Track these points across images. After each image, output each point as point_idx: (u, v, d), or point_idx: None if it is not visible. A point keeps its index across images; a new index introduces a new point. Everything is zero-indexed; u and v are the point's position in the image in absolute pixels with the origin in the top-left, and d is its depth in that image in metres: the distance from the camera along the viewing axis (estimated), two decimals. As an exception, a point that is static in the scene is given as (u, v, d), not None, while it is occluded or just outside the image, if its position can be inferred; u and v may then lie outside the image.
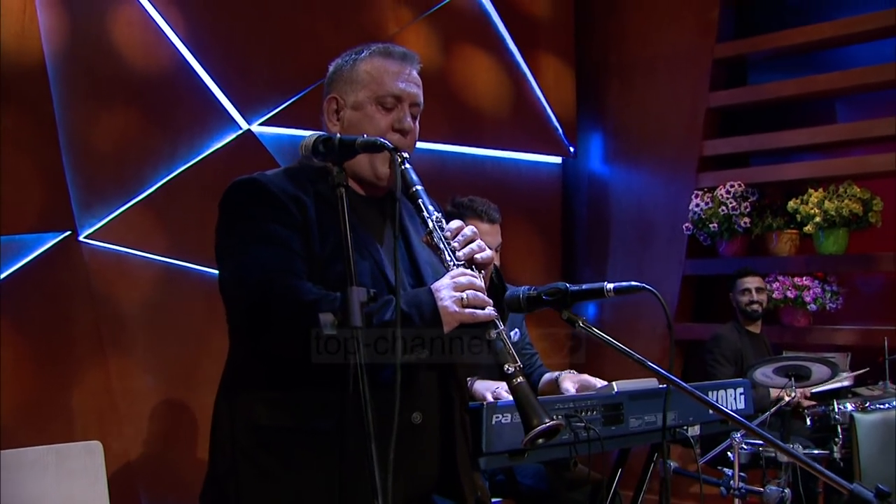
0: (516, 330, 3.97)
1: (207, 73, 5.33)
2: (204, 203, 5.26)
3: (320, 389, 2.18)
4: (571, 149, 7.61)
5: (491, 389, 3.33)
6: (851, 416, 3.43)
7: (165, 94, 5.20)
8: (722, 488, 4.77)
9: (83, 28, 4.88)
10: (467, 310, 2.15)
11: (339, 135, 2.15)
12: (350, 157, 2.15)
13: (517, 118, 7.19)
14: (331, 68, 2.49)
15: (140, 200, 5.05)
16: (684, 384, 2.35)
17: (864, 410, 3.53)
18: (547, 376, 3.90)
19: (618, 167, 7.68)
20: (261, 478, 2.21)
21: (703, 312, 7.18)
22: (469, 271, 2.20)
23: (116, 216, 4.97)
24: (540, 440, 2.11)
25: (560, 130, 7.50)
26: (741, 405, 3.56)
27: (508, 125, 7.10)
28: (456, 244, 2.25)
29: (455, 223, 2.28)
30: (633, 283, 2.42)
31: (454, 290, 2.15)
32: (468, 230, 2.29)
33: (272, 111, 5.55)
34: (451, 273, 2.20)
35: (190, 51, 5.28)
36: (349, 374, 2.03)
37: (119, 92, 5.01)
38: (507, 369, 2.15)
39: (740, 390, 3.55)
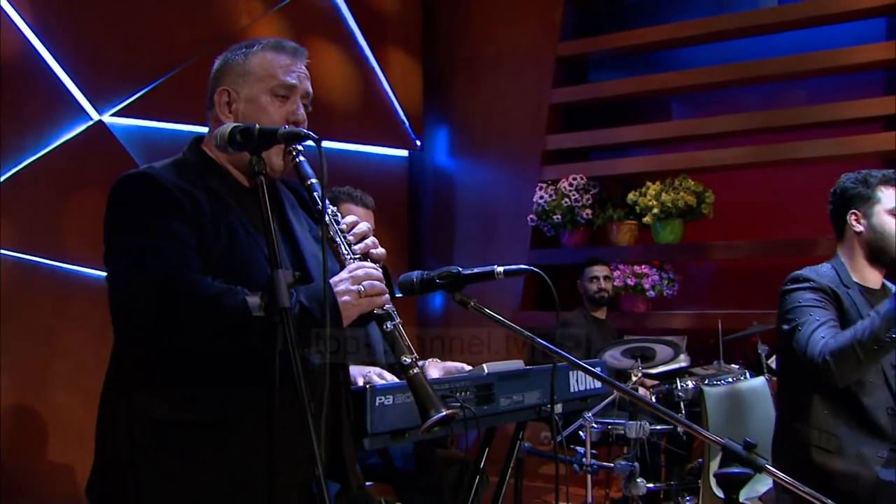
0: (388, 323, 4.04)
1: (57, 61, 5.23)
2: (54, 196, 5.17)
3: (218, 384, 2.21)
4: (418, 142, 7.77)
5: (363, 373, 3.41)
6: (700, 390, 3.65)
7: (12, 83, 5.04)
8: (575, 465, 4.98)
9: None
10: (365, 301, 2.23)
11: (257, 125, 2.18)
12: (268, 146, 2.20)
13: (365, 112, 7.29)
14: (218, 62, 2.49)
15: (-14, 193, 4.90)
16: (580, 362, 2.48)
17: (709, 385, 3.77)
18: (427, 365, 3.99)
19: (463, 160, 7.86)
20: (159, 471, 2.21)
21: (547, 301, 7.42)
22: (366, 264, 2.28)
23: (-38, 209, 4.81)
24: (436, 428, 2.19)
25: (407, 124, 7.65)
26: (597, 385, 3.71)
27: (357, 118, 7.18)
28: (351, 238, 2.33)
29: (350, 218, 2.35)
30: (522, 265, 2.53)
31: (352, 283, 2.22)
32: (363, 225, 2.37)
33: (124, 101, 5.47)
34: (349, 267, 2.27)
35: (38, 38, 5.15)
36: (249, 367, 2.12)
37: (-38, 80, 4.86)
38: (404, 360, 2.23)
39: (598, 370, 3.71)
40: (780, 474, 1.88)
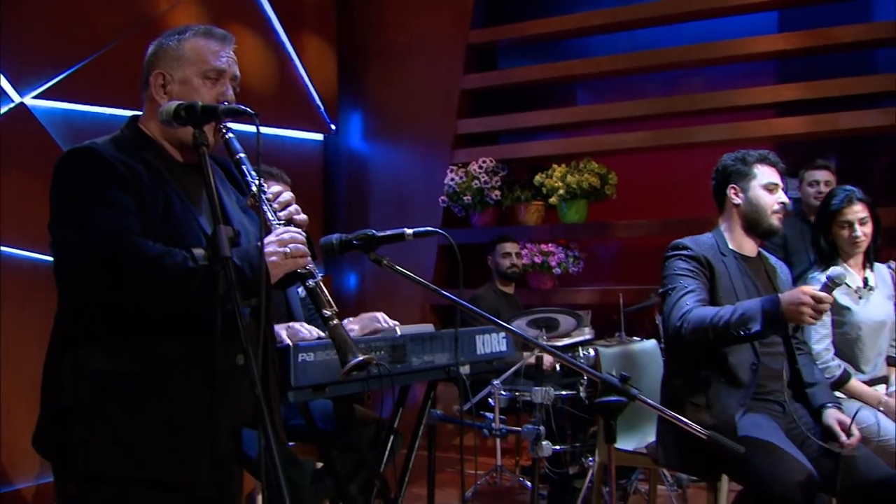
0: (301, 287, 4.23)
1: (-23, 44, 5.23)
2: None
3: (157, 336, 2.41)
4: (333, 126, 7.95)
5: (288, 326, 3.59)
6: (596, 350, 3.93)
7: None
8: (484, 430, 5.24)
9: None
10: (290, 261, 2.46)
11: (199, 102, 2.40)
12: (209, 121, 2.42)
13: (281, 96, 7.44)
14: (152, 47, 2.67)
15: None
16: (494, 318, 2.71)
17: (604, 347, 4.05)
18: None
19: (377, 144, 8.07)
20: (102, 420, 2.38)
21: (458, 279, 7.65)
22: (291, 228, 2.51)
23: None
24: (354, 372, 2.43)
25: (322, 109, 7.82)
26: (503, 348, 3.94)
27: (273, 103, 7.32)
28: (276, 206, 2.56)
29: (275, 188, 2.59)
30: (429, 228, 2.78)
31: (278, 245, 2.45)
32: (287, 195, 2.60)
33: (46, 84, 5.50)
34: (276, 231, 2.49)
35: (-41, 21, 5.16)
36: (187, 320, 2.35)
37: None
38: (325, 313, 2.47)
39: (502, 335, 3.95)
40: (649, 400, 2.16)
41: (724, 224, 3.66)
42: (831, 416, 3.43)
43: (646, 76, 7.46)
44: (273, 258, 2.43)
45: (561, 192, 6.96)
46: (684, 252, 3.51)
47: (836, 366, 3.97)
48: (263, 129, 7.02)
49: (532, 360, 5.27)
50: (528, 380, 5.46)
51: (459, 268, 2.90)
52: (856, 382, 3.99)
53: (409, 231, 2.73)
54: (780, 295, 3.18)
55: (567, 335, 5.40)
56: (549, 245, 7.11)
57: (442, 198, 7.43)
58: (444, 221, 7.63)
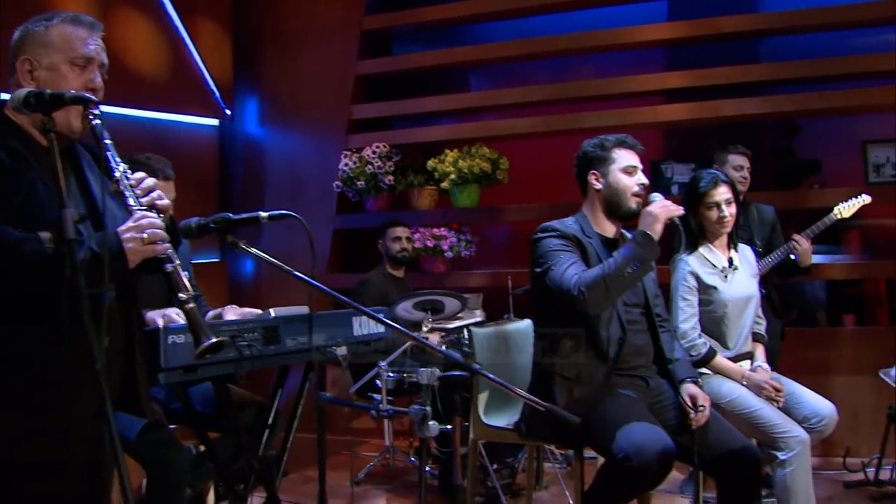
0: (186, 272, 4.23)
1: None
2: None
3: (14, 320, 2.43)
4: (228, 112, 7.93)
5: (163, 313, 3.62)
6: (469, 331, 4.03)
7: None
8: (372, 412, 5.30)
9: None
10: (147, 247, 2.50)
11: (48, 90, 2.41)
12: (57, 108, 2.42)
13: (175, 81, 7.39)
14: (18, 32, 2.67)
15: None
16: (349, 301, 2.80)
17: (479, 327, 4.14)
18: (211, 312, 4.22)
19: (273, 129, 8.08)
20: None
21: (352, 263, 7.73)
22: (150, 214, 2.54)
23: None
24: (208, 354, 2.48)
25: (217, 94, 7.79)
26: (381, 328, 4.02)
27: (167, 88, 7.27)
28: (139, 191, 2.58)
29: (139, 174, 2.61)
30: (283, 210, 2.84)
31: (136, 231, 2.49)
32: (149, 181, 2.63)
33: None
34: (135, 216, 2.52)
35: None
36: (42, 303, 2.38)
37: None
38: (180, 296, 2.51)
39: (381, 316, 4.01)
40: (489, 374, 2.25)
41: (587, 208, 3.79)
42: (685, 391, 3.59)
43: (538, 63, 7.57)
44: (130, 244, 2.47)
45: (453, 176, 7.05)
46: (555, 232, 3.63)
47: (703, 343, 4.13)
48: (156, 115, 7.11)
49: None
50: (416, 361, 5.55)
51: (312, 249, 2.90)
52: (720, 359, 4.16)
53: (265, 214, 2.82)
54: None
55: (453, 318, 5.47)
56: (442, 229, 7.18)
57: (336, 183, 7.46)
58: (338, 206, 7.66)
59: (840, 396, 6.11)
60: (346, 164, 7.37)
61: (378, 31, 7.94)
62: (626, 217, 3.71)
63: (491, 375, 2.24)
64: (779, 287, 5.69)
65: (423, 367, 5.21)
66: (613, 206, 3.70)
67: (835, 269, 6.42)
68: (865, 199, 5.31)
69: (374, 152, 7.30)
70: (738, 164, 5.51)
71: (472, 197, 7.21)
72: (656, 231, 3.43)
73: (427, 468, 5.46)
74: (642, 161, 3.77)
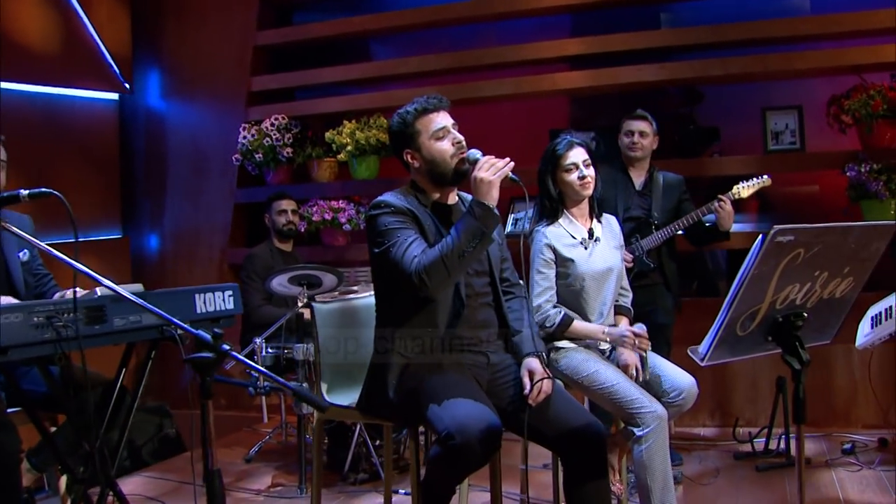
0: (25, 251, 4.10)
1: None
2: None
3: None
4: (127, 85, 7.75)
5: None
6: (311, 305, 3.91)
7: None
8: (250, 388, 5.23)
9: None
10: None
11: None
12: None
13: (69, 55, 7.20)
14: None
15: None
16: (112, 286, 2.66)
17: (321, 302, 4.03)
18: (67, 292, 4.07)
19: (174, 103, 7.91)
20: None
21: (254, 237, 7.59)
22: None
23: None
24: None
25: (115, 67, 7.61)
26: (230, 306, 3.88)
27: (58, 61, 7.09)
28: None
29: None
30: (43, 189, 2.72)
31: None
32: None
33: None
34: None
35: None
36: None
37: None
38: None
39: (229, 293, 3.88)
40: (238, 356, 2.15)
41: (417, 180, 3.63)
42: (525, 366, 3.48)
43: (441, 31, 7.41)
44: None
45: (350, 148, 6.93)
46: (389, 209, 3.46)
47: (556, 312, 4.00)
48: (48, 90, 6.90)
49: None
50: (291, 335, 5.48)
51: (74, 226, 2.79)
52: (578, 323, 4.03)
53: (25, 192, 2.70)
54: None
55: (331, 292, 5.38)
56: (340, 202, 7.06)
57: (235, 156, 7.32)
58: (239, 180, 7.54)
59: (738, 367, 6.14)
60: (245, 137, 7.25)
61: (278, 1, 7.82)
62: (456, 181, 3.51)
63: (239, 356, 2.14)
64: (680, 257, 5.61)
65: (299, 343, 5.17)
66: (438, 177, 3.51)
67: (735, 237, 6.34)
68: (766, 180, 5.22)
69: (272, 124, 7.18)
70: (628, 129, 5.42)
71: (370, 169, 7.10)
72: (493, 198, 3.24)
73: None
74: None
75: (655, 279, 5.37)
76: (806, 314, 2.56)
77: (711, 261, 7.03)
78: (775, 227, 2.23)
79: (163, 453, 6.11)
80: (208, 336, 2.16)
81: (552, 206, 4.20)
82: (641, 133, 5.38)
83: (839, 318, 2.75)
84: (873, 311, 5.24)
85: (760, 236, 2.25)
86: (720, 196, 5.12)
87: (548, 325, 3.98)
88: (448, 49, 7.26)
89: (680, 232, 5.28)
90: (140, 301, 2.62)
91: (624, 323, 4.28)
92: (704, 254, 6.93)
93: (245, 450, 6.14)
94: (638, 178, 5.41)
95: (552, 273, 4.09)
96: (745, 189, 5.17)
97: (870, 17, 6.00)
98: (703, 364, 2.51)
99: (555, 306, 4.05)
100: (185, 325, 2.25)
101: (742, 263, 2.41)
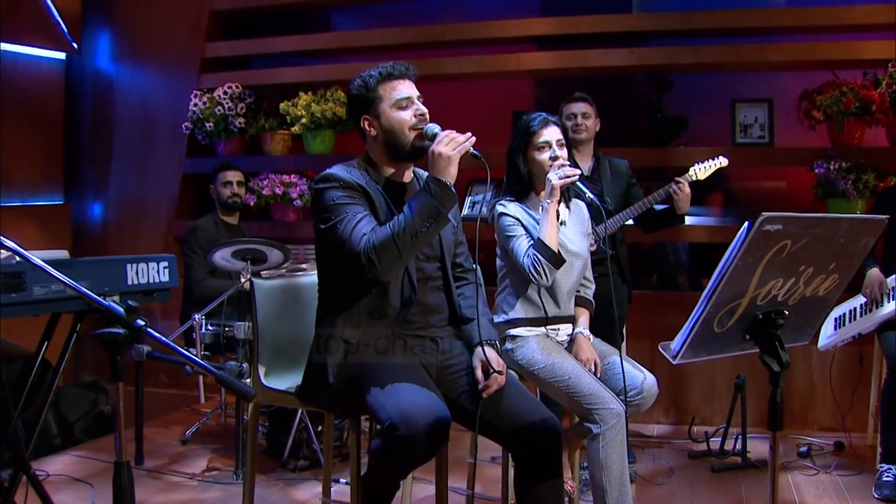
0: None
1: None
2: None
3: None
4: (75, 45, 7.43)
5: None
6: (252, 282, 3.65)
7: None
8: (186, 368, 4.98)
9: None
10: None
11: None
12: None
13: (13, 8, 6.84)
14: None
15: None
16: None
17: (264, 279, 3.79)
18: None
19: (124, 66, 7.59)
20: None
21: (202, 209, 7.31)
22: None
23: None
24: None
25: (62, 25, 7.28)
26: (166, 278, 3.65)
27: (2, 15, 6.72)
28: None
29: None
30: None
31: None
32: None
33: None
34: None
35: None
36: None
37: None
38: None
39: (164, 264, 3.64)
40: (155, 333, 1.91)
41: (371, 153, 3.37)
42: (477, 355, 3.26)
43: (403, 4, 7.18)
44: None
45: (304, 121, 6.66)
46: (338, 182, 3.20)
47: (530, 260, 3.73)
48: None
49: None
50: (234, 310, 5.25)
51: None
52: (541, 233, 3.74)
53: None
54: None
55: (277, 268, 5.12)
56: (293, 176, 6.78)
57: (185, 124, 7.03)
58: (189, 149, 7.25)
59: (696, 364, 5.96)
60: (196, 105, 6.95)
61: (238, -36, 7.48)
62: (413, 156, 3.25)
63: (155, 334, 1.89)
64: (635, 248, 5.41)
65: (240, 321, 4.91)
66: (395, 149, 3.24)
67: (697, 231, 6.18)
68: (723, 161, 5.02)
69: (225, 93, 6.90)
70: (570, 112, 5.22)
71: (325, 143, 6.83)
72: (451, 175, 3.00)
73: (259, 427, 5.17)
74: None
75: (611, 268, 5.15)
76: (787, 312, 2.36)
77: (673, 254, 6.86)
78: (764, 213, 2.02)
79: (96, 431, 5.82)
80: (121, 309, 1.91)
81: (520, 186, 3.95)
82: (584, 114, 5.18)
83: (819, 318, 2.56)
84: (836, 312, 5.11)
85: (746, 223, 2.04)
86: (677, 178, 4.91)
87: (538, 268, 3.70)
88: (411, 23, 7.01)
89: (631, 221, 5.08)
90: (45, 267, 2.33)
91: (584, 318, 4.05)
92: (666, 247, 6.75)
93: (183, 430, 5.88)
94: (584, 163, 5.18)
95: (522, 229, 3.84)
96: (701, 171, 4.98)
97: (845, 12, 5.85)
98: (675, 362, 2.30)
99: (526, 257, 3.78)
100: (93, 295, 2.00)
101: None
